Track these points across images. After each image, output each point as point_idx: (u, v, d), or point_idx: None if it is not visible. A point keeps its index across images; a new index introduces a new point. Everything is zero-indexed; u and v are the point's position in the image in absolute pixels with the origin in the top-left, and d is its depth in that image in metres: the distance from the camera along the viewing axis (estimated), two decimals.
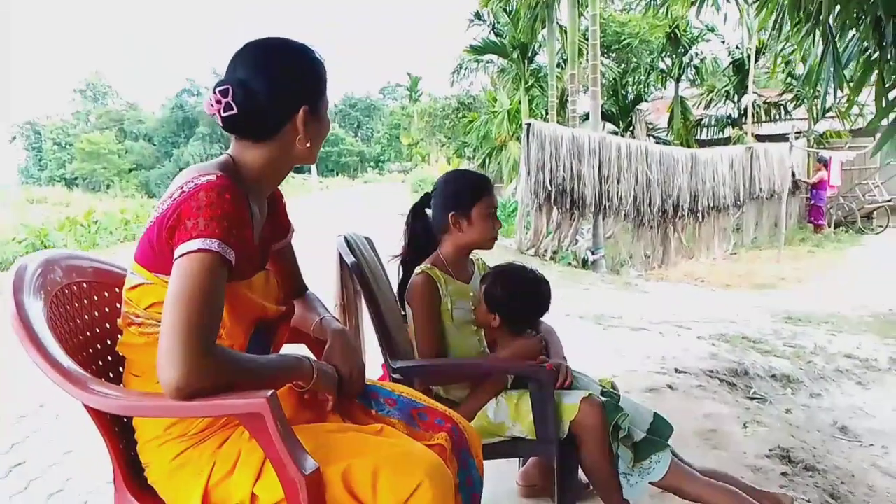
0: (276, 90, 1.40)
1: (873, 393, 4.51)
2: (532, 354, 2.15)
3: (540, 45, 18.66)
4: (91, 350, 1.52)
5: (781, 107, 18.64)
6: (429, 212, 2.30)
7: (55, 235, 10.98)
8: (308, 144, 1.46)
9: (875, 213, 15.52)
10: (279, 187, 1.63)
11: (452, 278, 2.23)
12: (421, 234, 2.31)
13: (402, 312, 2.29)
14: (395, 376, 2.07)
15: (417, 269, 2.20)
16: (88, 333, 1.53)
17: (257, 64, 1.41)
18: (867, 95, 3.37)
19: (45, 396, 3.78)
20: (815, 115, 16.58)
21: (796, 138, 15.03)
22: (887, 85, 3.05)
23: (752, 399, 4.11)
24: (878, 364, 5.12)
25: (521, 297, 2.23)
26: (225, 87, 1.37)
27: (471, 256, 2.37)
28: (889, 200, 15.79)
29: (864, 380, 4.77)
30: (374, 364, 2.77)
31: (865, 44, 3.35)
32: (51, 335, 1.34)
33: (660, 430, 2.16)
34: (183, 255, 1.24)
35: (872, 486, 2.99)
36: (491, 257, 2.50)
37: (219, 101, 1.37)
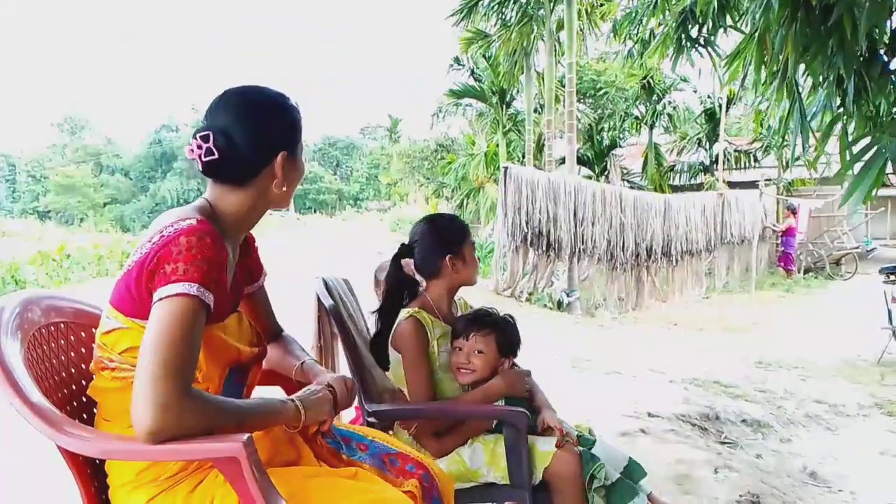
0: (256, 136, 1.44)
1: (842, 438, 4.57)
2: (522, 384, 2.21)
3: (518, 91, 19.04)
4: (66, 391, 1.51)
5: (751, 155, 19.14)
6: (404, 261, 2.32)
7: (26, 270, 10.80)
8: (285, 188, 1.50)
9: (843, 259, 15.85)
10: (251, 231, 1.65)
11: (440, 321, 2.26)
12: (401, 284, 2.33)
13: (384, 358, 2.29)
14: (369, 419, 2.07)
15: (404, 314, 2.20)
16: (64, 374, 1.53)
17: (238, 111, 1.45)
18: (834, 146, 3.50)
19: (12, 434, 3.70)
20: (784, 164, 17.02)
21: (766, 185, 15.42)
22: (850, 139, 3.17)
23: (723, 444, 4.14)
24: (847, 409, 5.19)
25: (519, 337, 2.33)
26: (206, 132, 1.41)
27: (455, 298, 2.40)
28: (857, 247, 16.17)
29: (833, 425, 4.83)
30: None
31: (830, 99, 3.49)
32: (28, 375, 1.34)
33: (632, 474, 2.18)
34: (162, 298, 1.26)
35: None
36: (468, 298, 2.54)
37: (200, 147, 1.41)
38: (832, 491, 3.57)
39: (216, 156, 1.41)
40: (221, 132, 1.41)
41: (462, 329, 2.25)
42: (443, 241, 2.29)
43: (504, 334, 2.26)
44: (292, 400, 1.45)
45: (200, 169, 1.44)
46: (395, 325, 2.22)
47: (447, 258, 2.26)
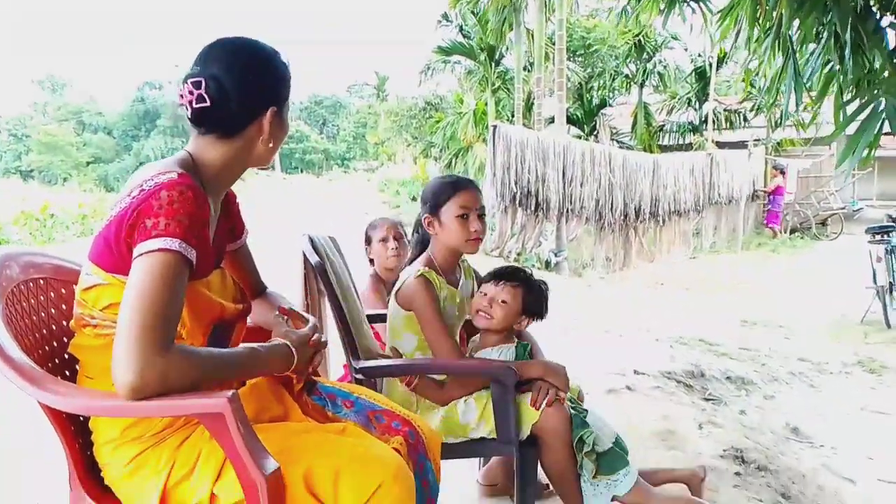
0: (248, 88, 1.40)
1: (825, 395, 4.64)
2: (564, 381, 2.11)
3: (507, 48, 18.76)
4: (47, 347, 1.49)
5: (741, 115, 19.05)
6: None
7: (9, 229, 10.69)
8: (271, 145, 1.47)
9: (829, 219, 15.94)
10: (232, 189, 1.62)
11: (445, 282, 2.24)
12: (421, 242, 2.36)
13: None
14: (357, 377, 2.07)
15: (413, 272, 2.18)
16: (45, 331, 1.50)
17: (231, 61, 1.41)
18: (825, 106, 3.45)
19: None
20: (773, 124, 16.97)
21: (755, 146, 15.41)
22: (845, 99, 3.12)
23: (707, 400, 4.19)
24: (830, 367, 5.27)
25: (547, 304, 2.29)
26: (198, 79, 1.37)
27: (459, 262, 2.39)
28: (843, 208, 16.26)
29: (816, 382, 4.90)
30: (335, 365, 2.77)
31: (827, 57, 3.43)
32: (6, 332, 1.31)
33: (621, 448, 2.18)
34: (142, 254, 1.23)
35: (822, 487, 3.08)
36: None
37: (191, 93, 1.37)
38: (814, 446, 3.64)
39: (207, 103, 1.37)
40: (214, 79, 1.37)
41: (492, 276, 2.24)
42: (423, 200, 2.28)
43: (533, 293, 2.23)
44: (285, 344, 1.44)
45: (189, 116, 1.40)
46: (402, 282, 2.21)
47: (423, 217, 2.26)
